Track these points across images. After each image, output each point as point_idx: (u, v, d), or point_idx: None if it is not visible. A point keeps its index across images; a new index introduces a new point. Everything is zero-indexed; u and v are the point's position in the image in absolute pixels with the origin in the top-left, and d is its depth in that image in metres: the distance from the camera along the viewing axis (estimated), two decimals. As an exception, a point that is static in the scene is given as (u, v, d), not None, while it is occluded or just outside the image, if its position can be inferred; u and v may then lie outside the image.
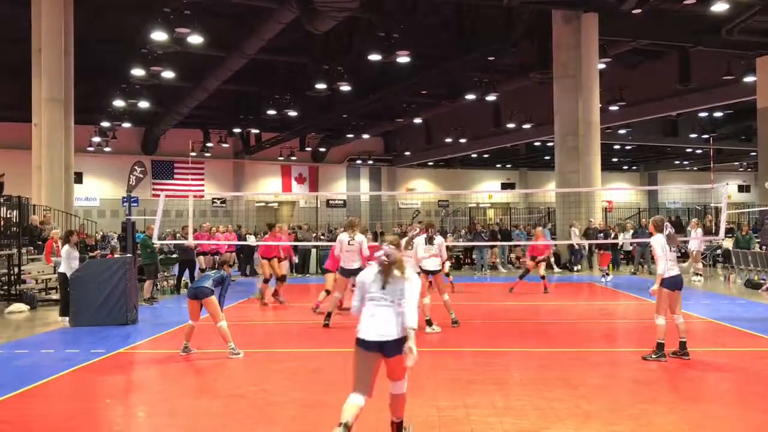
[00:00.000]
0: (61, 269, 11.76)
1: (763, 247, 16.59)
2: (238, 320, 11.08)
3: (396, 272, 4.97)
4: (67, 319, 11.37)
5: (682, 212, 36.33)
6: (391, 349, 4.81)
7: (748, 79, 22.75)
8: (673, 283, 7.78)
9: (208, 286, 8.46)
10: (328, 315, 10.61)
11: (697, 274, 17.55)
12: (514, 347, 9.15)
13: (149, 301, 14.07)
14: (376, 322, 4.87)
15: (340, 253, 10.86)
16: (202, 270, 17.34)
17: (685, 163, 49.56)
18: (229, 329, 8.56)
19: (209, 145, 39.42)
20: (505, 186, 49.92)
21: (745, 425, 5.62)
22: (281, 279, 14.19)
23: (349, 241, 10.69)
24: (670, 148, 42.25)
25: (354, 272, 10.58)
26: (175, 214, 29.09)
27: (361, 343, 4.87)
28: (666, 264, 7.72)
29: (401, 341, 4.82)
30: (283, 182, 44.78)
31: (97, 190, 39.14)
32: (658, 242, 7.85)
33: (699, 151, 42.08)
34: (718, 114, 32.11)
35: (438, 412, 5.94)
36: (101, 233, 26.25)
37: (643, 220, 25.23)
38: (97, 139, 35.43)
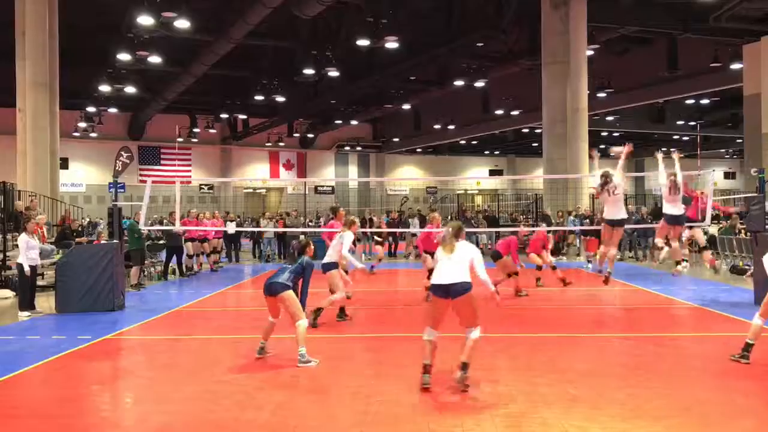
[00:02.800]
0: (19, 260, 10.97)
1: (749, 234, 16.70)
2: (224, 306, 11.07)
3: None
4: (27, 313, 10.81)
5: (668, 199, 36.44)
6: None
7: (735, 66, 22.85)
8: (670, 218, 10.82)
9: (281, 281, 7.29)
10: (342, 310, 10.19)
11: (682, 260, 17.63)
12: (501, 332, 9.18)
13: (136, 287, 14.02)
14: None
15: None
16: (189, 256, 17.29)
17: (672, 150, 49.77)
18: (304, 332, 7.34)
19: (196, 130, 39.18)
20: (493, 173, 50.03)
21: (729, 409, 5.69)
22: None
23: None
24: (657, 135, 42.44)
25: (329, 267, 9.91)
26: (162, 200, 28.93)
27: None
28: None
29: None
30: (270, 168, 44.64)
31: (84, 176, 38.86)
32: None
33: (686, 138, 42.29)
34: (704, 101, 32.27)
35: (426, 397, 5.97)
36: (88, 219, 26.08)
37: (629, 207, 25.33)
38: (83, 125, 35.16)
